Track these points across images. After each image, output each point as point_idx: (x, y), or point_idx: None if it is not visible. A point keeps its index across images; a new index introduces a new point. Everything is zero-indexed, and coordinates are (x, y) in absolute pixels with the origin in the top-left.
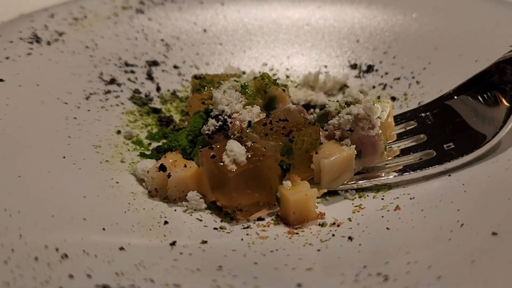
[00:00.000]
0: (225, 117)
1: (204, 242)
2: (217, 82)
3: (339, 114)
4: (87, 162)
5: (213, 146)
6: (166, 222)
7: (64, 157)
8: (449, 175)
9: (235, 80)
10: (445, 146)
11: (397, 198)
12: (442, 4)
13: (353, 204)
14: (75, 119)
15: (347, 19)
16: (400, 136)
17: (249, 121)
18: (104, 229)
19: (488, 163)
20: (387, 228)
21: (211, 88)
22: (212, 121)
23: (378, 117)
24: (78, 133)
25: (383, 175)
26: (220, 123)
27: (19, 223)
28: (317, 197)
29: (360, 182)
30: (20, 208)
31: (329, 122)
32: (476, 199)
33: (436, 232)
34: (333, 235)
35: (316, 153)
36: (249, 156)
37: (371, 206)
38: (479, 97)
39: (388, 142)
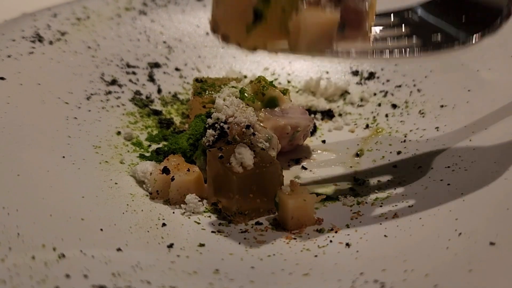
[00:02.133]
0: (221, 124)
1: (202, 245)
2: (218, 86)
3: None
4: (87, 162)
5: (222, 147)
6: (164, 224)
7: (63, 157)
8: (448, 184)
9: (233, 86)
10: (432, 36)
11: (395, 205)
12: None
13: (351, 210)
14: (76, 119)
15: None
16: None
17: (248, 125)
18: (102, 229)
19: (487, 172)
20: (385, 236)
21: (212, 92)
22: (209, 131)
23: None
24: (78, 133)
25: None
26: (218, 131)
27: (17, 222)
28: (316, 203)
29: (339, 50)
30: (18, 207)
31: None
32: (474, 209)
33: (433, 240)
34: (331, 241)
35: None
36: (257, 161)
37: (369, 213)
38: None
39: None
